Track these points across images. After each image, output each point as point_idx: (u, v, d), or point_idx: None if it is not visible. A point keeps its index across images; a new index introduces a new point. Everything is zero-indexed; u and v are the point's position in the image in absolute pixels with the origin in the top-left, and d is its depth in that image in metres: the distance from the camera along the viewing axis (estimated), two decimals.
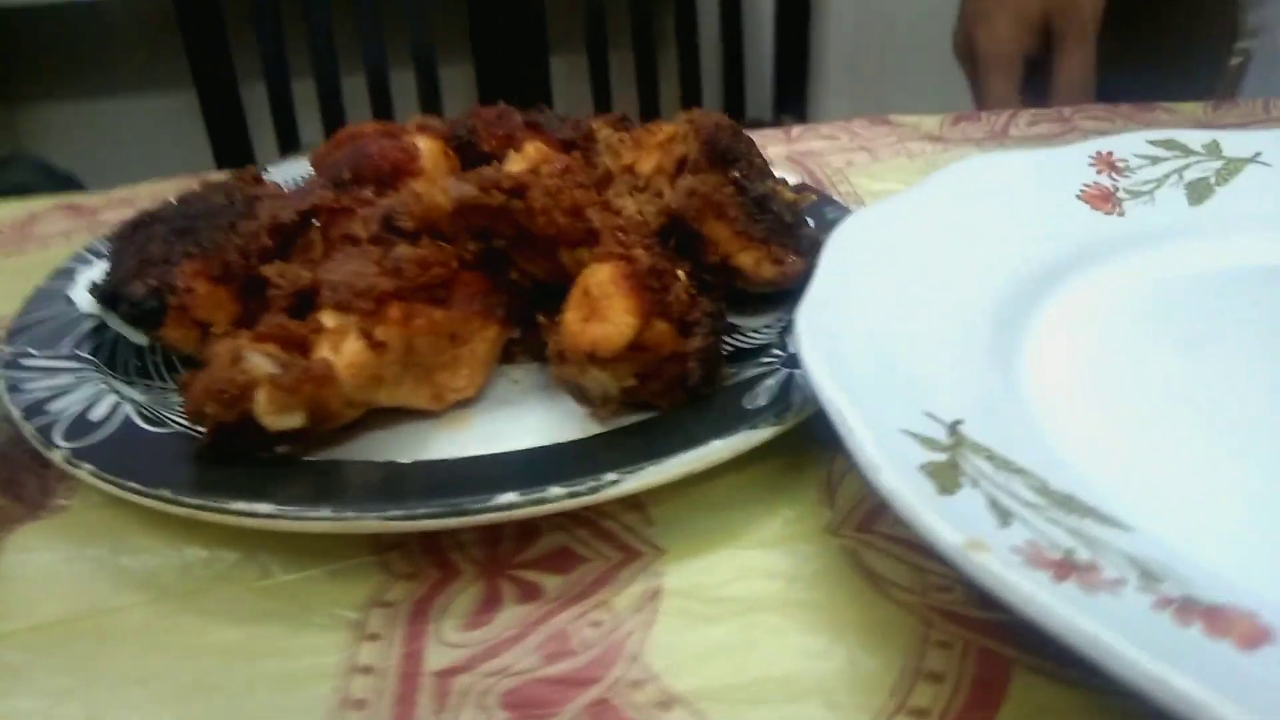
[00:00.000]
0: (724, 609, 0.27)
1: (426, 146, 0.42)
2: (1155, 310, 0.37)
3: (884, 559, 0.28)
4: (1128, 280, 0.39)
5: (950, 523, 0.22)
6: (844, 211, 0.43)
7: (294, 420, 0.30)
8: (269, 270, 0.33)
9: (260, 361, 0.30)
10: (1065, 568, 0.22)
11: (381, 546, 0.30)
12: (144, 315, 0.35)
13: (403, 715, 0.24)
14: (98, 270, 0.40)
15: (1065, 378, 0.33)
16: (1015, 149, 0.44)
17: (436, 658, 0.26)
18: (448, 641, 0.26)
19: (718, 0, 1.67)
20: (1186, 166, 0.44)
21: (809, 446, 0.32)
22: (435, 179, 0.42)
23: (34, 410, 0.32)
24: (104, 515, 0.31)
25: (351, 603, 0.28)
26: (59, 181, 1.62)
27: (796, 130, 0.56)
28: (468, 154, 0.44)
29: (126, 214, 0.52)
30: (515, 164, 0.40)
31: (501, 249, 0.35)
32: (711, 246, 0.37)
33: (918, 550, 0.28)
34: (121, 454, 0.30)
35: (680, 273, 0.34)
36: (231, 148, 1.72)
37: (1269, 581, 0.22)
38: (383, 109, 1.66)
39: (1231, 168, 0.44)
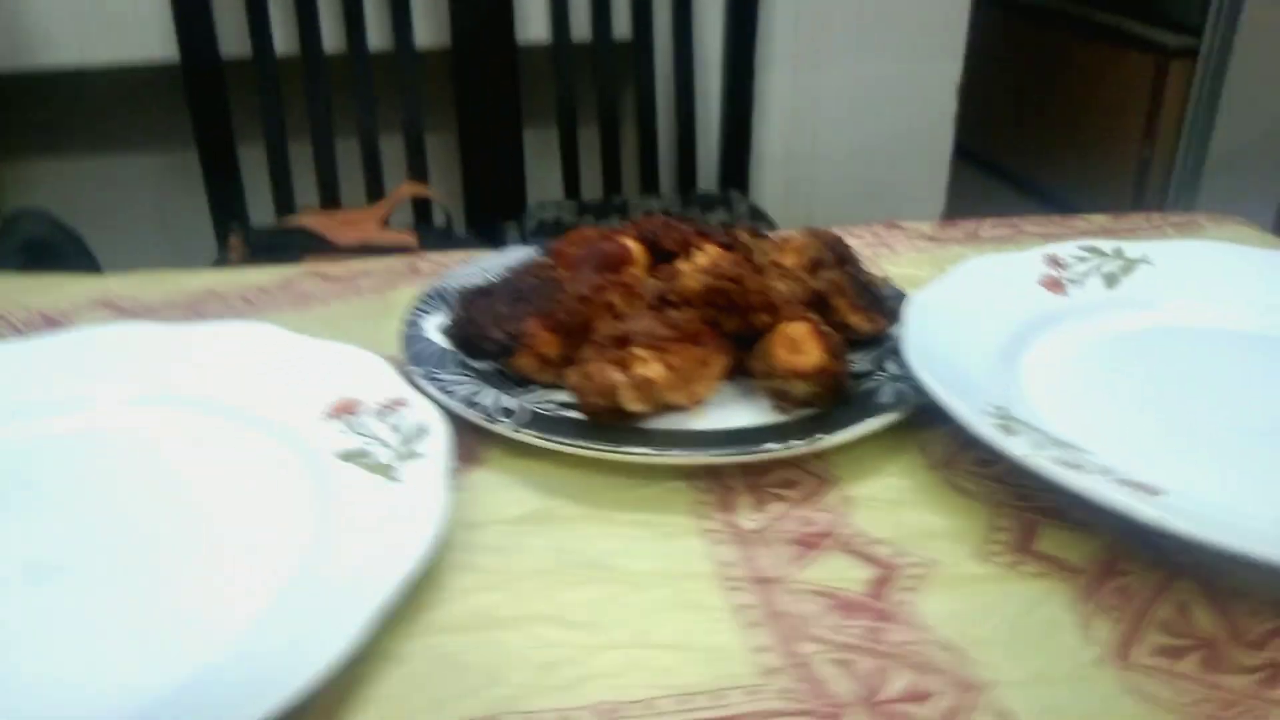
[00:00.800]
0: (885, 505, 0.54)
1: (634, 246, 0.69)
2: (1092, 354, 0.66)
3: (965, 480, 0.55)
4: (1076, 337, 0.67)
5: (1017, 447, 0.50)
6: (897, 290, 0.70)
7: (641, 406, 0.55)
8: (598, 324, 0.59)
9: (618, 375, 0.55)
10: (1072, 465, 0.49)
11: (685, 475, 0.55)
12: (503, 350, 0.60)
13: (744, 548, 0.50)
14: (433, 321, 0.65)
15: (1047, 388, 0.61)
16: (994, 252, 0.72)
17: (746, 524, 0.52)
18: (749, 519, 0.52)
19: (673, 86, 1.96)
20: (1102, 264, 0.74)
21: (906, 427, 0.59)
22: (641, 265, 0.68)
23: (470, 403, 0.57)
24: (516, 463, 0.56)
25: (686, 502, 0.53)
26: (68, 236, 1.79)
27: (838, 231, 0.84)
28: (654, 249, 0.70)
29: (372, 283, 0.77)
30: (702, 259, 0.67)
31: (715, 314, 0.62)
32: (835, 311, 0.64)
33: (982, 476, 0.56)
34: (540, 425, 0.55)
35: (826, 326, 0.61)
36: (228, 206, 1.92)
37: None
38: (373, 171, 1.90)
39: (1129, 265, 0.73)
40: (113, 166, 2.02)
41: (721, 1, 1.96)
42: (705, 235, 0.70)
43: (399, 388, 0.58)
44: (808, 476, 0.56)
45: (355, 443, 0.55)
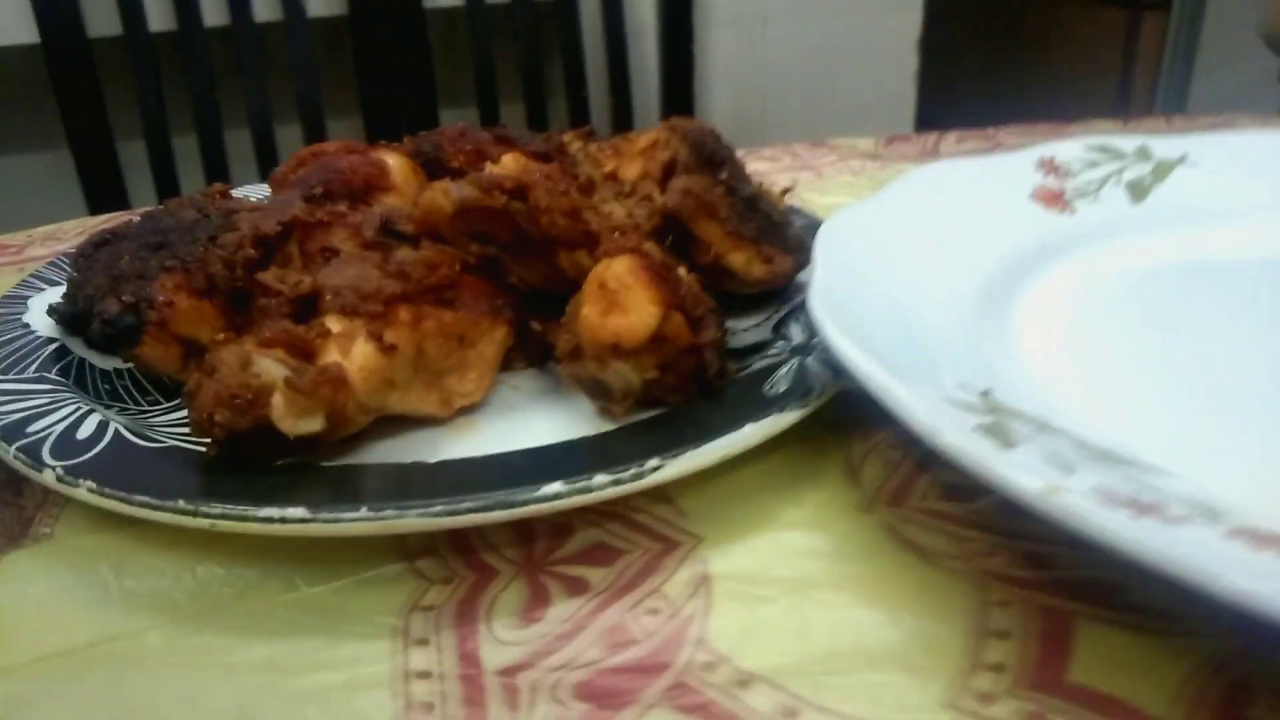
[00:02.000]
0: (777, 589, 0.27)
1: (395, 162, 0.41)
2: (1118, 298, 0.39)
3: (922, 531, 0.29)
4: (1088, 272, 0.40)
5: (1023, 473, 0.23)
6: (810, 217, 0.43)
7: (313, 425, 0.28)
8: (266, 276, 0.32)
9: (271, 366, 0.28)
10: (1138, 507, 0.22)
11: (410, 553, 0.28)
12: (120, 334, 0.33)
13: (474, 715, 0.23)
14: (51, 296, 0.38)
15: (1052, 355, 0.34)
16: (964, 159, 0.46)
17: (495, 656, 0.25)
18: (503, 640, 0.25)
19: (604, 52, 1.70)
20: (1123, 169, 0.47)
21: (823, 433, 0.32)
22: (405, 194, 0.41)
23: (12, 431, 0.29)
24: (96, 540, 0.29)
25: (389, 609, 0.26)
26: None
27: (740, 153, 0.57)
28: (434, 170, 0.43)
29: (46, 250, 0.50)
30: (489, 171, 0.40)
31: (495, 253, 0.35)
32: (704, 247, 0.37)
33: (954, 520, 0.29)
34: (120, 470, 0.28)
35: (682, 268, 0.34)
36: (107, 205, 1.66)
37: None
38: (268, 163, 1.63)
39: (1163, 168, 0.46)
40: None
41: None
42: (511, 142, 0.43)
43: None
44: (641, 538, 0.29)
45: None
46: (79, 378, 0.34)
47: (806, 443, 0.32)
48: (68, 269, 0.41)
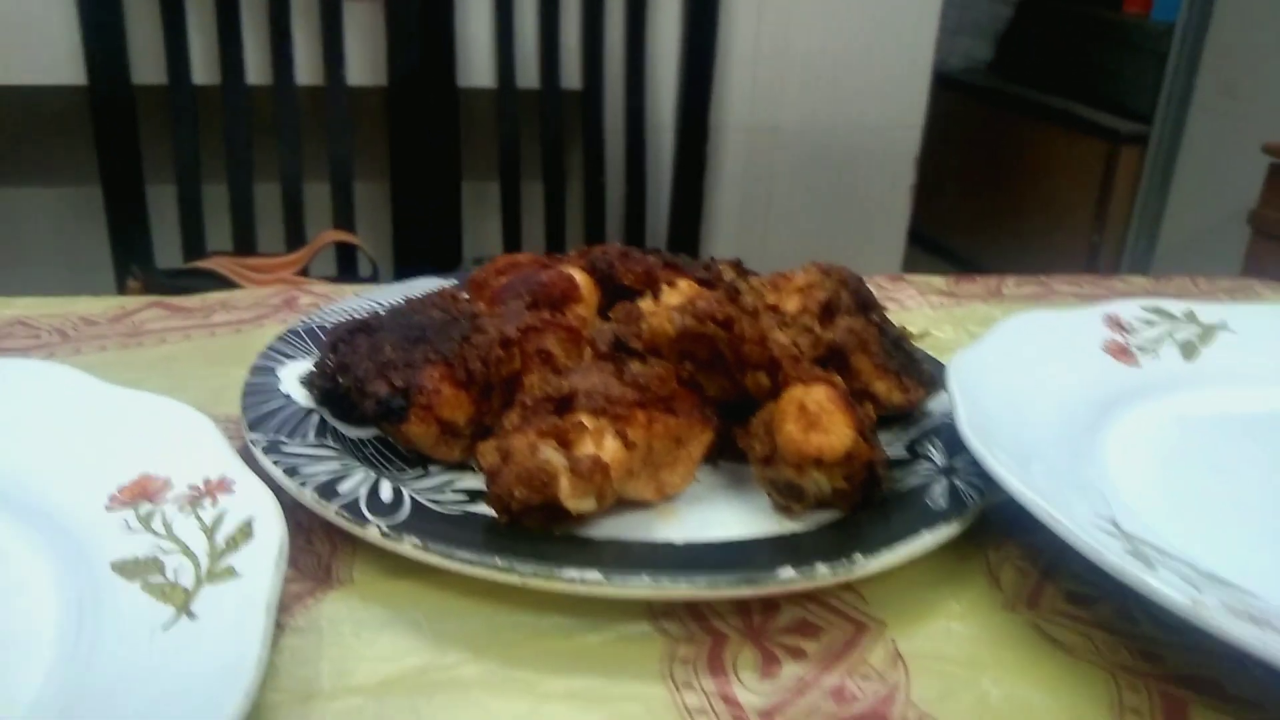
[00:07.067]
0: (959, 667, 0.34)
1: (580, 278, 0.49)
2: (1180, 443, 0.48)
3: (1058, 629, 0.36)
4: (1157, 420, 0.49)
5: (1172, 589, 0.31)
6: (924, 352, 0.52)
7: (589, 505, 0.36)
8: (531, 379, 0.39)
9: (553, 455, 0.36)
10: (1254, 620, 0.30)
11: (655, 614, 0.35)
12: (388, 412, 0.40)
13: None
14: (293, 368, 0.45)
15: (1139, 492, 0.43)
16: (1047, 309, 0.55)
17: (751, 700, 0.32)
18: (751, 689, 0.32)
19: (623, 141, 1.80)
20: (1174, 330, 0.56)
21: (961, 542, 0.40)
22: (589, 304, 0.49)
23: (327, 491, 0.36)
24: (396, 585, 0.36)
25: (652, 658, 0.33)
26: None
27: None
28: (606, 285, 0.51)
29: (230, 317, 0.57)
30: (674, 296, 0.47)
31: (692, 369, 0.42)
32: (855, 374, 0.45)
33: (1082, 621, 0.37)
34: (427, 530, 0.35)
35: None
36: (132, 247, 1.70)
37: None
38: (294, 218, 1.69)
39: (1208, 333, 0.56)
40: (7, 198, 1.79)
41: (676, 56, 1.82)
42: (677, 268, 0.51)
43: (226, 464, 0.38)
44: (836, 619, 0.36)
45: (143, 546, 0.35)
46: (340, 445, 0.41)
47: (949, 549, 0.39)
48: (297, 342, 0.48)
